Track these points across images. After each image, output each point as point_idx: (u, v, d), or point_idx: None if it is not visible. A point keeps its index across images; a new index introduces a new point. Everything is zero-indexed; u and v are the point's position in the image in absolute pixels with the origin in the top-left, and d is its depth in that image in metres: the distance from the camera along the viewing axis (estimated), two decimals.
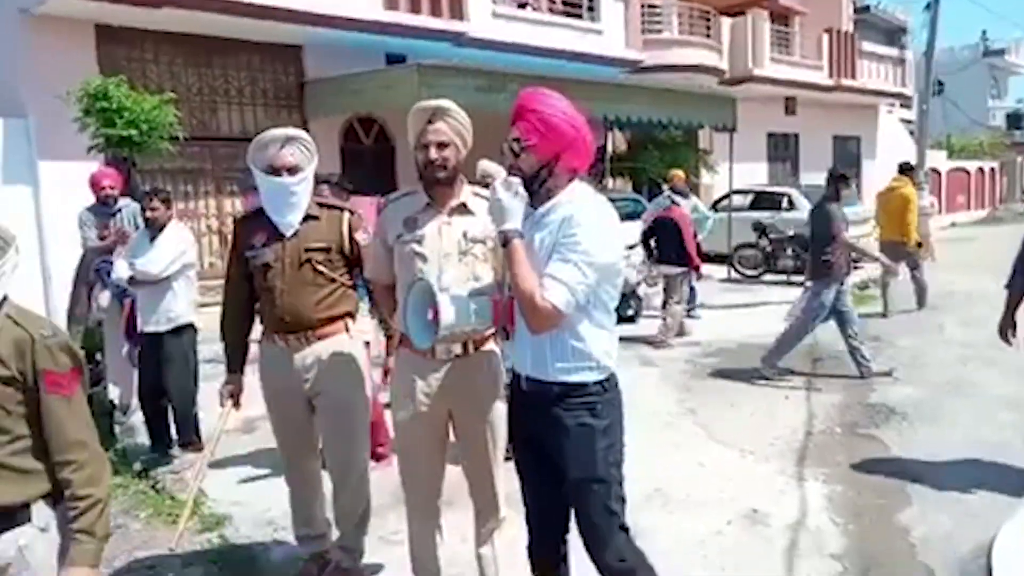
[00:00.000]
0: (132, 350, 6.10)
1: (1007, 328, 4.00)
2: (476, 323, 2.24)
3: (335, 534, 3.22)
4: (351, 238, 2.93)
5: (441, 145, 2.50)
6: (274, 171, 2.82)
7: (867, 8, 23.96)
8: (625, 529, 2.19)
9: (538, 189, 2.12)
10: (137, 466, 4.56)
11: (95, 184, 5.66)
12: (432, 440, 2.62)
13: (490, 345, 2.60)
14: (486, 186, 4.21)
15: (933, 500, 3.72)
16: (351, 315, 3.00)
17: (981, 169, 27.03)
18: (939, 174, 24.15)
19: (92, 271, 5.72)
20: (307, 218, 2.89)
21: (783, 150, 18.77)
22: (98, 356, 5.73)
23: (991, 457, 4.24)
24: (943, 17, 20.57)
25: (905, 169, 9.39)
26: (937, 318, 8.51)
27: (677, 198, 8.11)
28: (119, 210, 5.75)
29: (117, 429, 5.29)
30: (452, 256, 2.48)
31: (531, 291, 1.99)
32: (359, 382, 2.98)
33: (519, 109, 2.13)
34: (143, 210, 4.77)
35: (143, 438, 4.92)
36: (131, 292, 5.96)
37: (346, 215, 2.97)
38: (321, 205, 2.98)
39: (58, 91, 6.78)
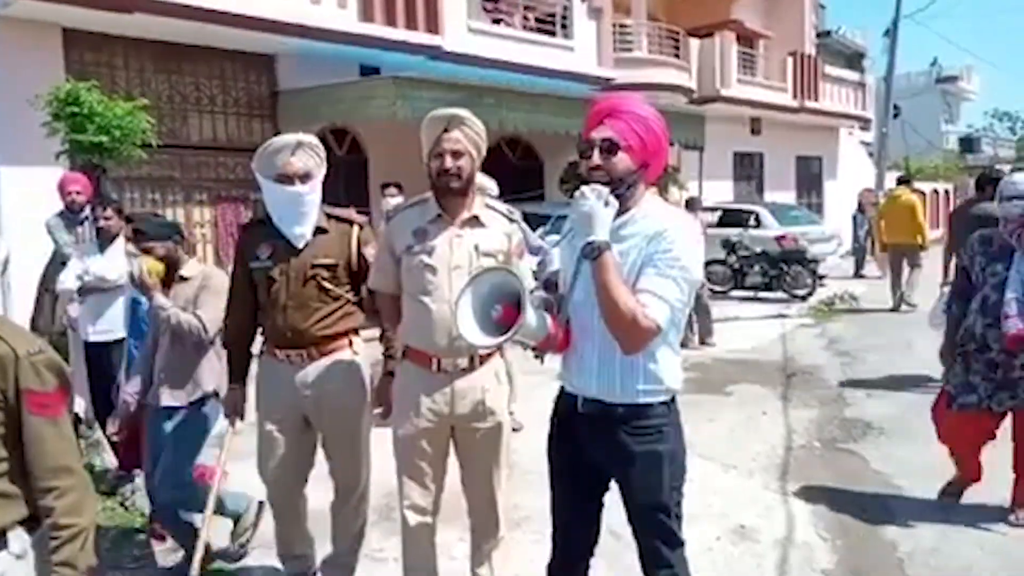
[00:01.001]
0: None
1: (948, 354, 3.82)
2: (534, 337, 2.03)
3: (319, 555, 3.13)
4: (359, 253, 2.81)
5: (456, 154, 2.45)
6: (285, 179, 2.71)
7: (828, 33, 24.61)
8: (682, 543, 2.15)
9: (624, 194, 1.97)
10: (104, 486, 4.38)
11: (62, 189, 5.51)
12: (434, 453, 2.57)
13: (495, 359, 2.55)
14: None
15: (917, 515, 3.76)
16: (355, 331, 2.89)
17: (936, 191, 27.84)
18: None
19: (58, 279, 5.55)
20: (316, 230, 2.79)
21: (749, 169, 19.10)
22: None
23: None
24: (900, 43, 21.20)
25: (903, 180, 10.86)
26: (905, 335, 8.67)
27: None
28: (86, 218, 5.60)
29: (83, 444, 5.10)
30: (462, 269, 2.43)
31: (632, 308, 1.85)
32: (362, 400, 2.90)
33: (610, 110, 2.01)
34: (95, 220, 4.66)
35: (109, 453, 4.76)
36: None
37: (355, 229, 2.86)
38: (330, 217, 2.86)
39: (22, 95, 6.58)
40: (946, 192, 28.62)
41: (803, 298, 11.38)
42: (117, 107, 6.17)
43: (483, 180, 4.32)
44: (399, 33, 10.25)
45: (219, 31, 8.85)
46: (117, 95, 6.77)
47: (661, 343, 2.00)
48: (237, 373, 2.93)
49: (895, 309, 9.93)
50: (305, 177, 2.72)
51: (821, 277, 12.04)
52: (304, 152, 2.74)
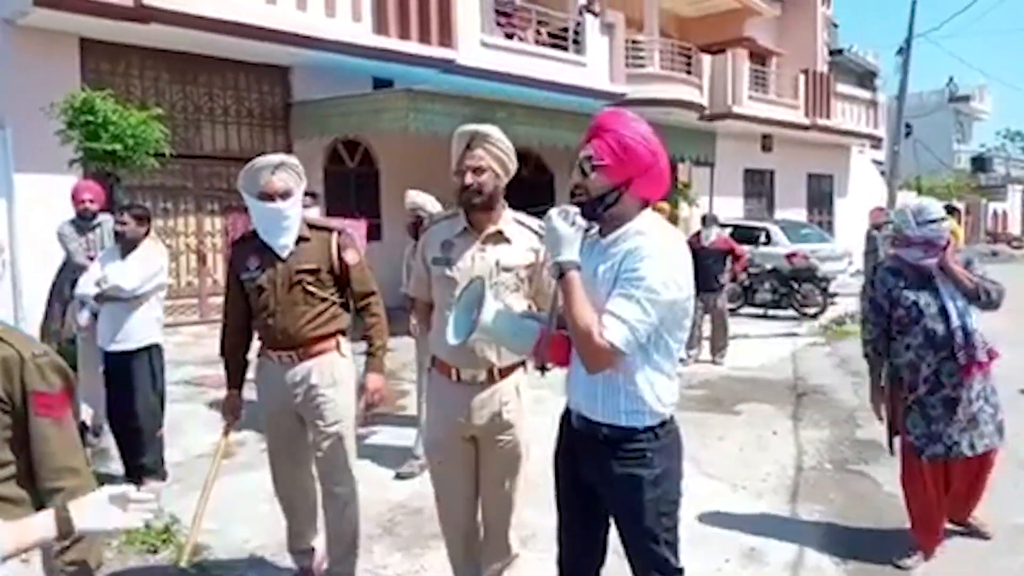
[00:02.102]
0: None
1: (879, 400, 3.67)
2: (513, 344, 2.12)
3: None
4: (340, 257, 2.99)
5: (477, 170, 2.48)
6: (267, 197, 2.90)
7: (840, 51, 24.62)
8: (679, 571, 2.11)
9: (602, 213, 1.98)
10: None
11: (75, 197, 5.54)
12: (461, 462, 2.62)
13: (517, 374, 2.54)
14: (419, 219, 4.26)
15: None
16: (343, 332, 3.06)
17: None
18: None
19: (70, 286, 5.57)
20: (299, 240, 2.98)
21: (759, 186, 19.08)
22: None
23: (983, 497, 4.24)
24: (912, 62, 21.18)
25: (951, 209, 11.47)
26: None
27: None
28: (98, 225, 5.62)
29: (88, 452, 5.09)
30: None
31: (588, 327, 1.85)
32: (347, 397, 3.03)
33: (596, 128, 2.01)
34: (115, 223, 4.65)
35: (115, 463, 4.75)
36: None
37: (334, 236, 3.05)
38: (311, 227, 3.06)
39: (39, 103, 6.65)
40: (958, 211, 28.48)
41: (813, 316, 11.31)
42: (131, 116, 6.23)
43: (419, 197, 4.38)
44: (413, 46, 10.33)
45: (234, 42, 8.94)
46: (132, 104, 6.84)
47: (643, 364, 1.95)
48: (233, 379, 3.12)
49: None
50: (285, 195, 2.91)
51: (832, 295, 11.97)
52: (284, 171, 2.92)
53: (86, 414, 5.42)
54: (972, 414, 3.33)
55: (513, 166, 2.57)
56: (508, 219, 2.60)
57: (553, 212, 1.93)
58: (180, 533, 3.82)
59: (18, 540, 1.46)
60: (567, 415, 2.17)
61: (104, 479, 4.56)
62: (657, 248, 1.92)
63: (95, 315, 5.60)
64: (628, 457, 2.00)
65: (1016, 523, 3.87)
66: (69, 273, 5.62)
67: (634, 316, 1.86)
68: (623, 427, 2.00)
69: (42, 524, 1.48)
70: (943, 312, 3.28)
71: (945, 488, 3.48)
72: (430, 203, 4.49)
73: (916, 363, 3.34)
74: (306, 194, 4.30)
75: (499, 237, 2.56)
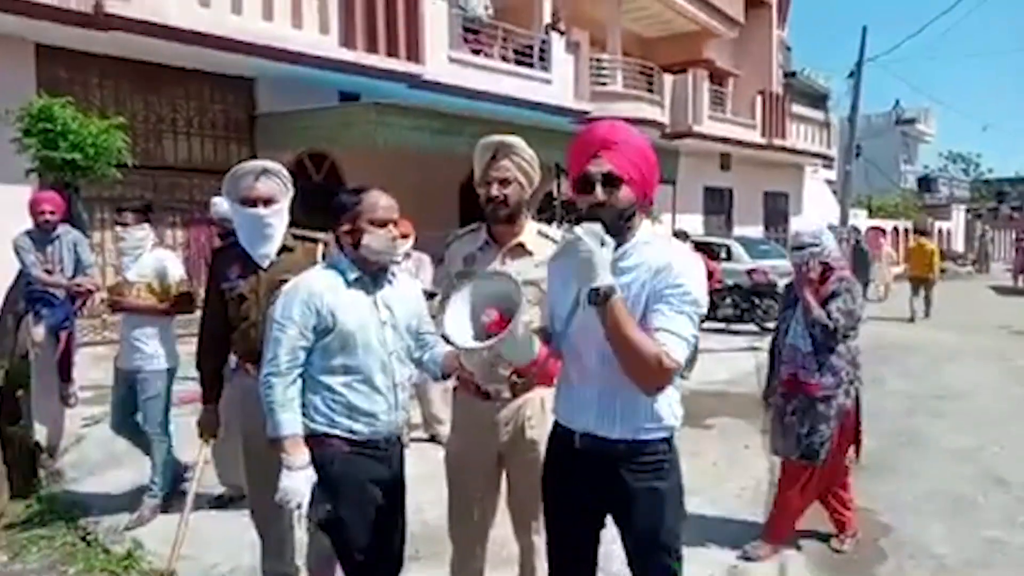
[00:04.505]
0: (65, 387, 5.69)
1: (769, 395, 3.97)
2: (518, 357, 2.01)
3: None
4: None
5: (504, 182, 2.45)
6: (249, 203, 2.84)
7: (794, 74, 25.30)
8: None
9: (623, 228, 1.92)
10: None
11: (34, 208, 5.34)
12: (484, 480, 2.57)
13: (541, 389, 2.50)
14: (228, 231, 3.92)
15: (907, 553, 3.75)
16: None
17: (896, 228, 28.61)
18: (859, 231, 25.39)
19: (25, 301, 5.35)
20: (282, 250, 2.92)
21: (718, 203, 19.42)
22: (19, 392, 5.30)
23: (953, 510, 4.33)
24: (862, 85, 21.90)
25: (923, 232, 16.81)
26: (876, 370, 8.75)
27: None
28: (57, 237, 5.43)
29: (42, 473, 4.86)
30: None
31: (655, 352, 1.78)
32: None
33: (603, 140, 1.93)
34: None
35: (72, 485, 4.56)
36: (68, 325, 5.60)
37: (320, 246, 3.01)
38: (296, 237, 2.99)
39: None
40: (905, 230, 29.46)
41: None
42: (92, 124, 6.04)
43: (224, 206, 3.94)
44: (380, 60, 10.28)
45: (198, 52, 8.77)
46: (91, 113, 6.63)
47: None
48: (210, 394, 3.08)
49: (911, 320, 13.61)
50: (268, 201, 2.84)
51: None
52: (267, 178, 2.86)
53: (40, 434, 5.19)
54: (788, 425, 3.66)
55: (537, 177, 2.53)
56: (531, 231, 2.56)
57: (580, 231, 1.80)
58: (143, 559, 3.67)
59: None
60: (561, 436, 2.10)
61: (60, 497, 4.39)
62: (688, 262, 1.92)
63: (55, 331, 5.40)
64: (646, 471, 1.98)
65: (987, 536, 3.95)
66: (24, 286, 5.41)
67: (690, 332, 1.85)
68: (639, 440, 1.98)
69: None
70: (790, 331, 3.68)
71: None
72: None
73: (779, 370, 3.77)
74: (132, 211, 3.99)
75: (521, 250, 2.51)
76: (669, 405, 2.01)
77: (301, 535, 3.06)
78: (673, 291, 1.85)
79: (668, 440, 2.03)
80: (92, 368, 7.46)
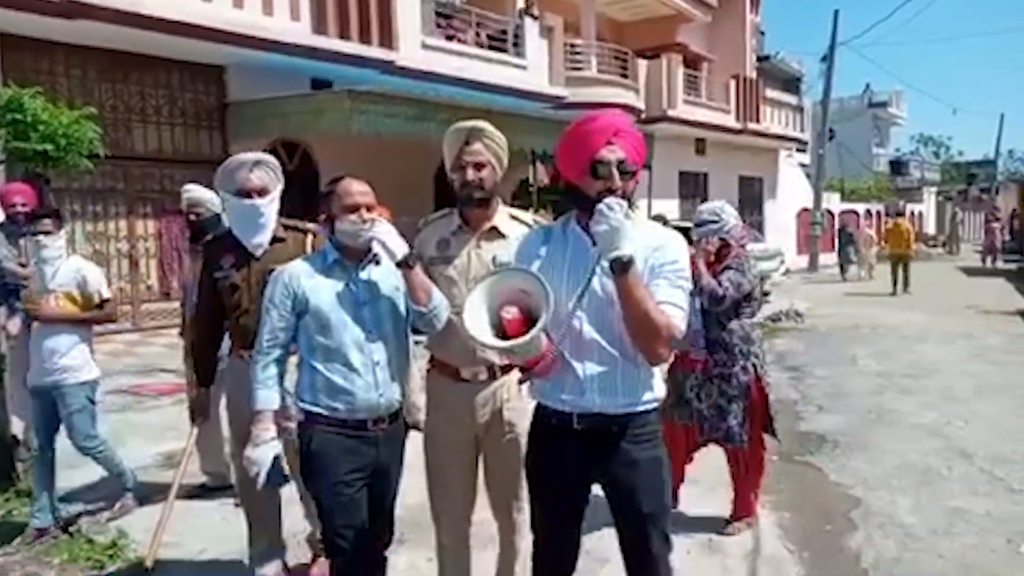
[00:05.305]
0: None
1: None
2: (526, 353, 1.99)
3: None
4: None
5: (479, 166, 2.48)
6: (244, 194, 2.92)
7: (767, 58, 25.45)
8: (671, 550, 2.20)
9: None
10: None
11: (5, 200, 5.26)
12: (462, 462, 2.60)
13: (516, 372, 2.54)
14: (199, 216, 3.89)
15: (876, 525, 3.86)
16: None
17: (868, 211, 29.01)
18: (833, 215, 25.75)
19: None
20: (274, 240, 2.99)
21: (693, 188, 19.52)
22: None
23: (921, 482, 4.47)
24: (835, 69, 22.11)
25: (899, 213, 18.64)
26: (849, 350, 8.97)
27: None
28: (27, 231, 5.36)
29: (20, 467, 4.83)
30: None
31: (664, 319, 1.92)
32: None
33: (615, 128, 2.02)
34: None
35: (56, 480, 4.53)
36: None
37: (310, 236, 3.08)
38: (287, 228, 3.07)
39: None
40: (878, 212, 29.89)
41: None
42: (63, 115, 5.94)
43: (198, 192, 4.18)
44: (352, 47, 10.20)
45: (167, 40, 8.64)
46: (59, 103, 6.53)
47: None
48: (203, 377, 3.17)
49: (893, 294, 15.49)
50: (262, 192, 2.93)
51: (766, 293, 12.35)
52: (261, 170, 2.96)
53: (17, 427, 5.15)
54: (680, 394, 3.76)
55: (506, 160, 2.57)
56: (503, 215, 2.59)
57: (612, 202, 1.89)
58: (128, 548, 3.68)
59: None
60: (553, 418, 2.12)
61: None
62: (680, 243, 2.08)
63: (28, 323, 5.34)
64: (646, 440, 2.09)
65: (951, 506, 4.08)
66: None
67: (686, 304, 2.01)
68: (639, 412, 2.08)
69: None
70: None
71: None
72: (210, 200, 4.17)
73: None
74: (42, 216, 3.85)
75: (495, 233, 2.54)
76: (658, 376, 2.12)
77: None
78: (670, 267, 2.00)
79: (657, 410, 2.14)
80: None
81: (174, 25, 8.39)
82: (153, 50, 8.99)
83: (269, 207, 2.95)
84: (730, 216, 3.79)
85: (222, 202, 3.07)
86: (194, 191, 4.28)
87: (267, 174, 2.97)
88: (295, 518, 3.30)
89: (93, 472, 4.59)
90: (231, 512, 4.06)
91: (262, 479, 2.35)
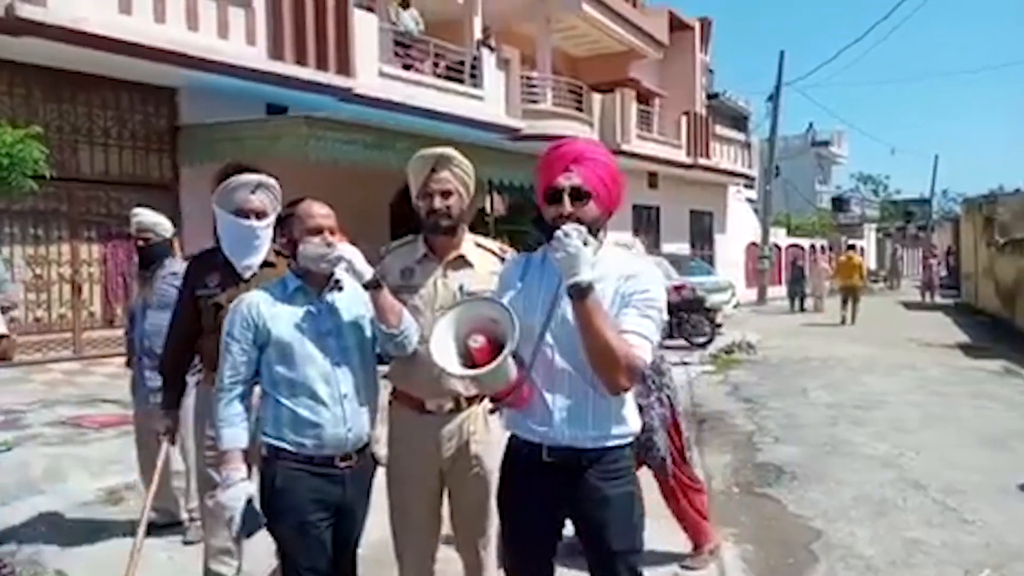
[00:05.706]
0: None
1: None
2: (496, 382, 1.96)
3: None
4: None
5: (446, 193, 2.43)
6: (243, 214, 2.86)
7: (716, 96, 26.16)
8: None
9: (589, 241, 1.97)
10: None
11: None
12: (427, 497, 2.51)
13: (485, 402, 2.47)
14: (147, 242, 3.79)
15: (838, 558, 3.87)
16: None
17: (813, 246, 29.89)
18: (779, 248, 26.44)
19: None
20: (264, 264, 2.92)
21: (646, 221, 19.82)
22: None
23: (878, 513, 4.51)
24: (781, 108, 22.84)
25: (849, 247, 20.33)
26: (799, 382, 9.12)
27: None
28: None
29: None
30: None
31: (624, 349, 1.85)
32: None
33: (576, 155, 2.01)
34: None
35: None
36: None
37: None
38: (278, 253, 2.94)
39: None
40: (822, 247, 30.81)
41: (702, 346, 11.79)
42: (7, 134, 5.71)
43: (148, 216, 4.10)
44: (309, 73, 10.11)
45: (116, 60, 8.43)
46: (2, 122, 6.28)
47: None
48: (172, 399, 3.05)
49: (842, 323, 16.61)
50: (261, 215, 2.87)
51: (718, 325, 12.54)
52: (263, 192, 2.89)
53: None
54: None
55: (473, 188, 2.53)
56: (469, 243, 2.55)
57: (569, 229, 1.86)
58: None
59: None
60: (524, 449, 2.07)
61: None
62: (654, 273, 2.04)
63: None
64: (617, 476, 2.02)
65: (909, 537, 4.12)
66: None
67: (654, 336, 1.95)
68: (610, 447, 2.01)
69: None
70: None
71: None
72: (160, 225, 4.12)
73: None
74: None
75: (461, 262, 2.49)
76: (632, 410, 2.07)
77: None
78: (640, 296, 1.96)
79: (631, 445, 2.08)
80: (1, 393, 7.04)
81: (123, 45, 8.18)
82: (102, 70, 8.75)
83: (265, 231, 2.87)
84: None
85: (215, 219, 2.92)
86: (144, 215, 4.14)
87: (268, 197, 2.91)
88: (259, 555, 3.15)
89: (29, 508, 4.35)
90: (178, 550, 3.87)
91: (236, 524, 2.17)
